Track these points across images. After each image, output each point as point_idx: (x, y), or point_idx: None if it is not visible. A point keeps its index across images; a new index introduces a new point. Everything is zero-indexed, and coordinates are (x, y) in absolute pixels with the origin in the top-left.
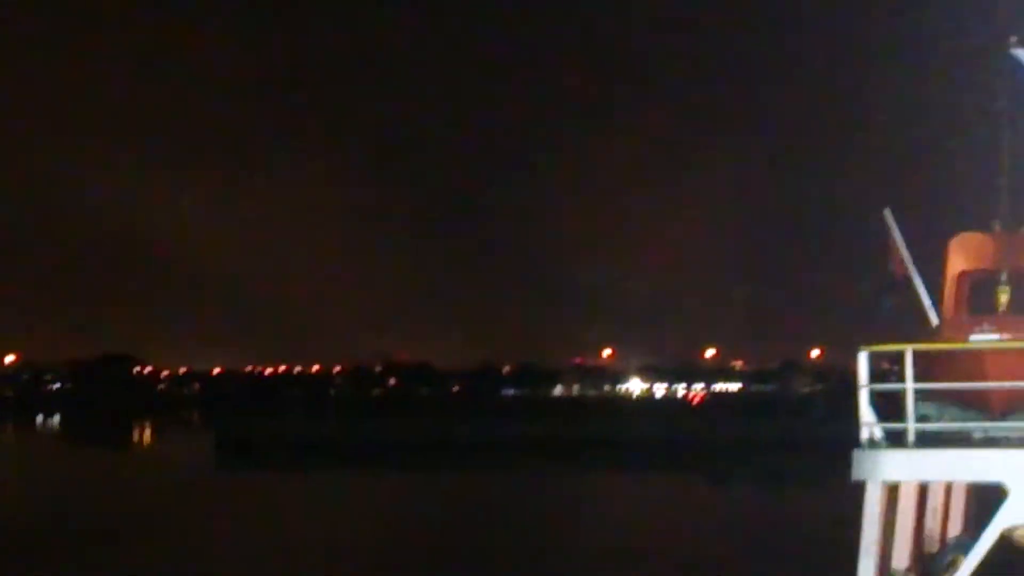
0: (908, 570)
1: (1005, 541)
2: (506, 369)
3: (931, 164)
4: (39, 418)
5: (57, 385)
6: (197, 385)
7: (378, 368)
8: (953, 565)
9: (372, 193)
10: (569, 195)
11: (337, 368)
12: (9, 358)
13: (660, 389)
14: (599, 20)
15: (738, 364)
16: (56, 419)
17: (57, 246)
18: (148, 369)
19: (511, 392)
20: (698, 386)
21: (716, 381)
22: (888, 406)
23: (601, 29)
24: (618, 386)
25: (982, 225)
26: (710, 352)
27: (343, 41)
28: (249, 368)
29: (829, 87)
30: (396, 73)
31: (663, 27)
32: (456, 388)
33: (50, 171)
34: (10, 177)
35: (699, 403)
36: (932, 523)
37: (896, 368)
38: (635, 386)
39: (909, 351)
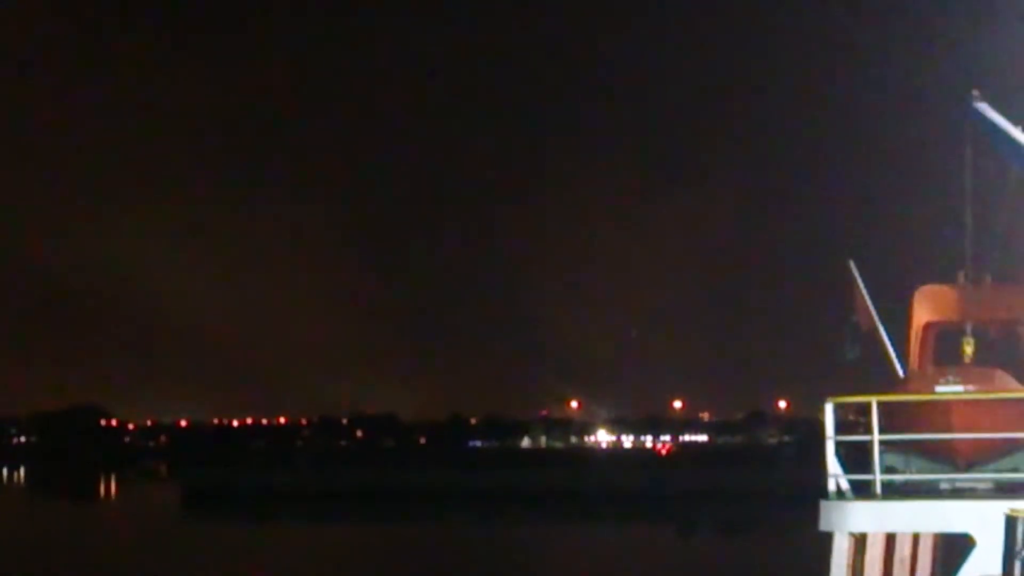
0: None
1: None
2: (473, 421)
3: (895, 215)
4: (3, 471)
5: (23, 438)
6: (164, 437)
7: (344, 420)
8: None
9: (338, 246)
10: (534, 248)
11: (304, 420)
12: None
13: (628, 441)
14: (554, 80)
15: (705, 415)
16: (22, 472)
17: (20, 299)
18: (114, 421)
19: (478, 444)
20: (665, 437)
21: (683, 432)
22: (855, 457)
23: (557, 87)
24: (586, 438)
25: (947, 277)
26: (677, 403)
27: (309, 87)
28: (216, 420)
29: (793, 138)
30: (363, 123)
31: (620, 82)
32: (423, 440)
33: (11, 224)
34: None
35: (667, 454)
36: (900, 574)
37: (863, 419)
38: (603, 438)
39: (875, 402)
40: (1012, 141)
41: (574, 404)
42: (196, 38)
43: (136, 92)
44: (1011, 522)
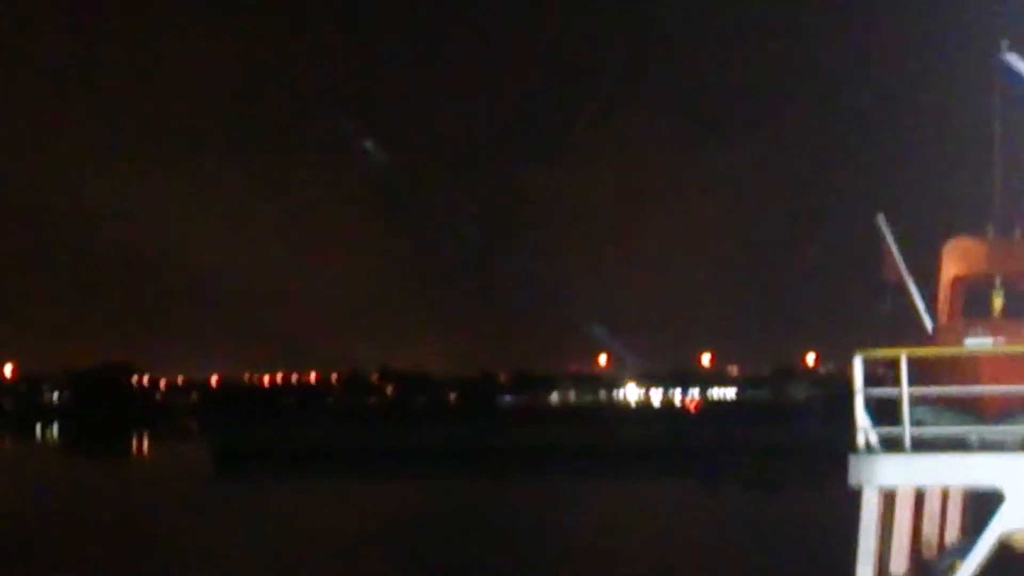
0: (907, 571)
1: (1003, 545)
2: (503, 377)
3: (924, 168)
4: (37, 429)
5: (55, 396)
6: (195, 395)
7: (375, 376)
8: (951, 570)
9: (371, 203)
10: (565, 202)
11: (334, 376)
12: (7, 369)
13: (657, 395)
14: (591, 42)
15: (733, 369)
16: (55, 429)
17: (54, 255)
18: (145, 379)
19: (508, 400)
20: (694, 392)
21: (712, 386)
22: (884, 411)
23: (595, 48)
24: (615, 392)
25: (976, 230)
26: (706, 357)
27: (346, 47)
28: (247, 376)
29: (824, 90)
30: (396, 82)
31: (658, 39)
32: (453, 396)
33: (44, 179)
34: (1, 186)
35: (696, 409)
36: (929, 528)
37: (892, 373)
38: (631, 393)
39: (904, 356)
40: None
41: (603, 359)
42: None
43: (166, 47)
44: None
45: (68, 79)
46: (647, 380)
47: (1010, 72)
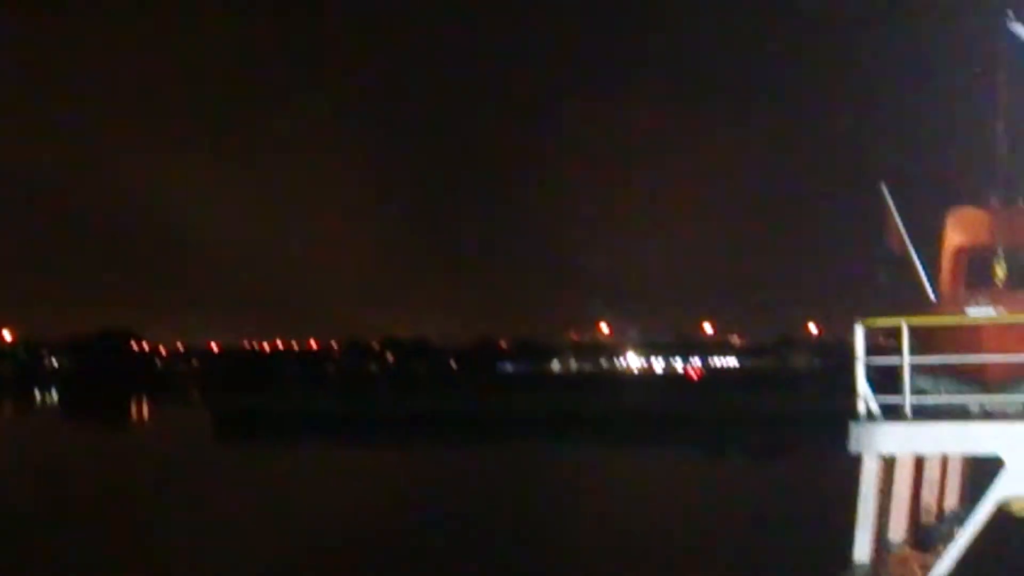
0: (904, 542)
1: (1002, 512)
2: (503, 344)
3: (928, 137)
4: (36, 394)
5: (55, 361)
6: (195, 361)
7: (375, 344)
8: (949, 536)
9: (371, 170)
10: (566, 172)
11: (334, 343)
12: (5, 334)
13: (658, 363)
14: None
15: (735, 338)
16: (54, 395)
17: (54, 222)
18: (146, 345)
19: (509, 367)
20: (696, 360)
21: (713, 355)
22: (885, 380)
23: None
24: (616, 360)
25: (979, 200)
26: (707, 326)
27: (350, 10)
28: (247, 343)
29: (825, 59)
30: (399, 48)
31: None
32: (453, 363)
33: (46, 145)
34: (5, 152)
35: (698, 377)
36: (928, 495)
37: (893, 342)
38: (633, 361)
39: (905, 325)
40: None
41: (604, 327)
42: None
43: (167, 22)
44: None
45: (77, 53)
46: (649, 348)
47: (1015, 41)
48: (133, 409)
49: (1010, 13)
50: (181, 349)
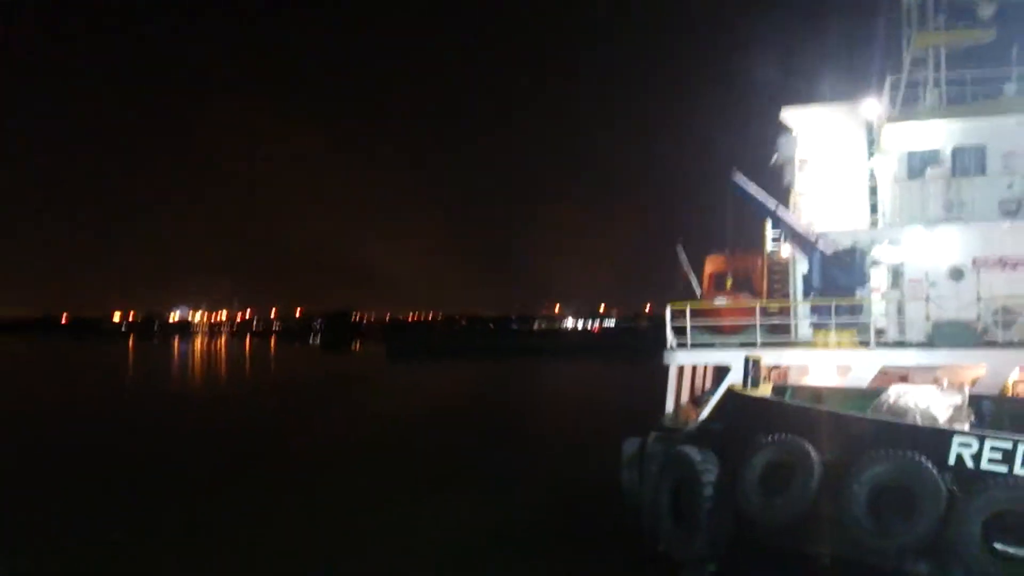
0: (688, 404)
1: (730, 392)
2: (512, 316)
3: (704, 214)
4: (310, 340)
5: (319, 324)
6: (379, 323)
7: (459, 317)
8: (708, 400)
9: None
10: (552, 211)
11: (436, 315)
12: (297, 311)
13: (580, 324)
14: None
15: (615, 312)
16: (317, 340)
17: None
18: (357, 316)
19: (515, 326)
20: (596, 323)
21: (605, 320)
22: (679, 331)
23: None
24: (563, 323)
25: (720, 249)
26: (603, 305)
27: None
28: (400, 315)
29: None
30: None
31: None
32: (491, 325)
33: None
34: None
35: (597, 331)
36: (698, 384)
37: (683, 314)
38: (570, 323)
39: (688, 306)
40: (758, 202)
41: (557, 307)
42: None
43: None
44: (747, 360)
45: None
46: (576, 317)
47: (738, 188)
48: (352, 346)
49: (734, 169)
50: (373, 318)
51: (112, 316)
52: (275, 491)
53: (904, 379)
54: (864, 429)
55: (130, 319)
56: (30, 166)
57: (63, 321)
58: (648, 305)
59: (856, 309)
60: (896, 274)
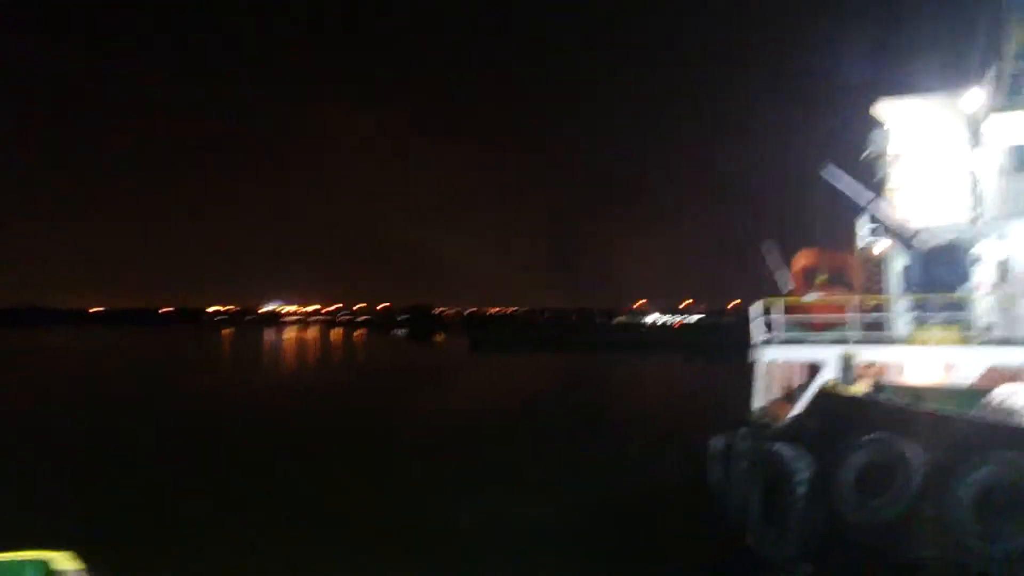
0: (778, 400)
1: (823, 389)
2: (594, 309)
3: (795, 210)
4: (395, 332)
5: (402, 319)
6: (460, 316)
7: (540, 311)
8: (800, 397)
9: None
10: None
11: (512, 309)
12: (380, 305)
13: (662, 319)
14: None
15: (702, 307)
16: (401, 332)
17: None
18: (438, 309)
19: (597, 320)
20: (678, 317)
21: (689, 315)
22: (768, 327)
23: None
24: (646, 319)
25: (811, 244)
26: (688, 301)
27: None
28: (479, 309)
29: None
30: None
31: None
32: (574, 317)
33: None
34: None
35: (677, 327)
36: (789, 380)
37: (772, 310)
38: (652, 318)
39: (779, 302)
40: (852, 195)
41: (640, 302)
42: None
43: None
44: (841, 357)
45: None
46: (662, 311)
47: (830, 181)
48: (435, 339)
49: (824, 163)
50: (454, 312)
51: (208, 307)
52: (364, 476)
53: (1014, 378)
54: (970, 429)
55: (226, 310)
56: (144, 172)
57: (164, 311)
58: (734, 302)
59: (959, 305)
60: (1003, 269)
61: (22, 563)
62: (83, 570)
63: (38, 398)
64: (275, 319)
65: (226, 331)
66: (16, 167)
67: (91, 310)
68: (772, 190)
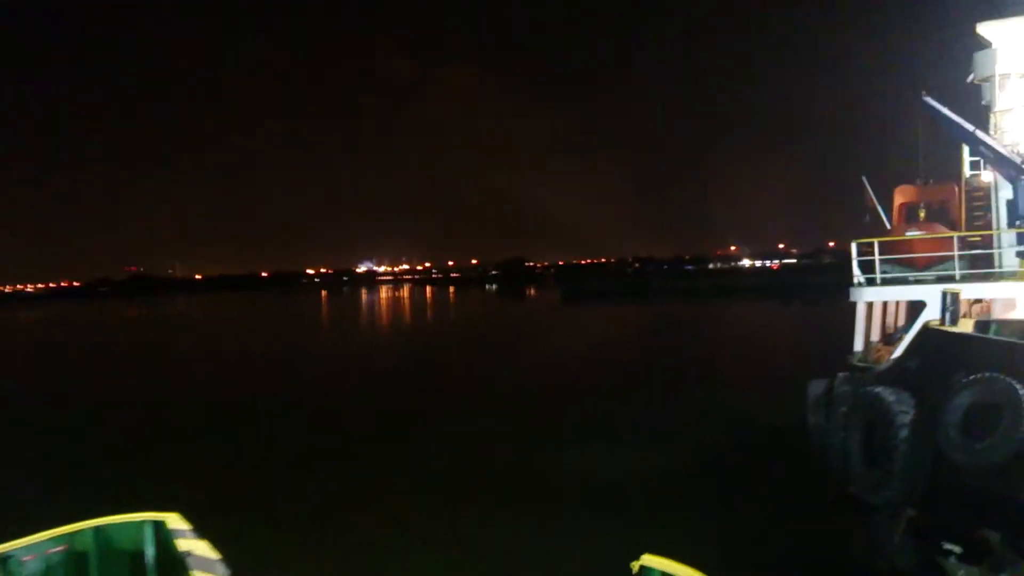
0: (879, 341)
1: (926, 328)
2: (687, 256)
3: (892, 143)
4: (487, 287)
5: (493, 274)
6: (553, 269)
7: (632, 260)
8: (901, 339)
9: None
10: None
11: (609, 259)
12: (474, 261)
13: (758, 263)
14: None
15: (795, 249)
16: (494, 287)
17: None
18: (531, 263)
19: (690, 268)
20: (776, 261)
21: (785, 259)
22: (867, 267)
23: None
24: (738, 263)
25: (911, 179)
26: (781, 244)
27: None
28: (570, 260)
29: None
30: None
31: None
32: (665, 267)
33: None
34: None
35: (776, 268)
36: (890, 321)
37: (870, 249)
38: (746, 262)
39: (876, 241)
40: (954, 125)
41: (733, 247)
42: None
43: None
44: (945, 294)
45: None
46: (755, 256)
47: (931, 109)
48: (527, 292)
49: (925, 92)
50: (547, 264)
51: (306, 270)
52: (469, 432)
53: None
54: None
55: (322, 272)
56: (249, 143)
57: (264, 276)
58: (832, 242)
59: None
60: None
61: (142, 523)
62: (191, 529)
63: (199, 366)
64: (370, 279)
65: (324, 292)
66: (127, 144)
67: (196, 276)
68: (872, 124)
